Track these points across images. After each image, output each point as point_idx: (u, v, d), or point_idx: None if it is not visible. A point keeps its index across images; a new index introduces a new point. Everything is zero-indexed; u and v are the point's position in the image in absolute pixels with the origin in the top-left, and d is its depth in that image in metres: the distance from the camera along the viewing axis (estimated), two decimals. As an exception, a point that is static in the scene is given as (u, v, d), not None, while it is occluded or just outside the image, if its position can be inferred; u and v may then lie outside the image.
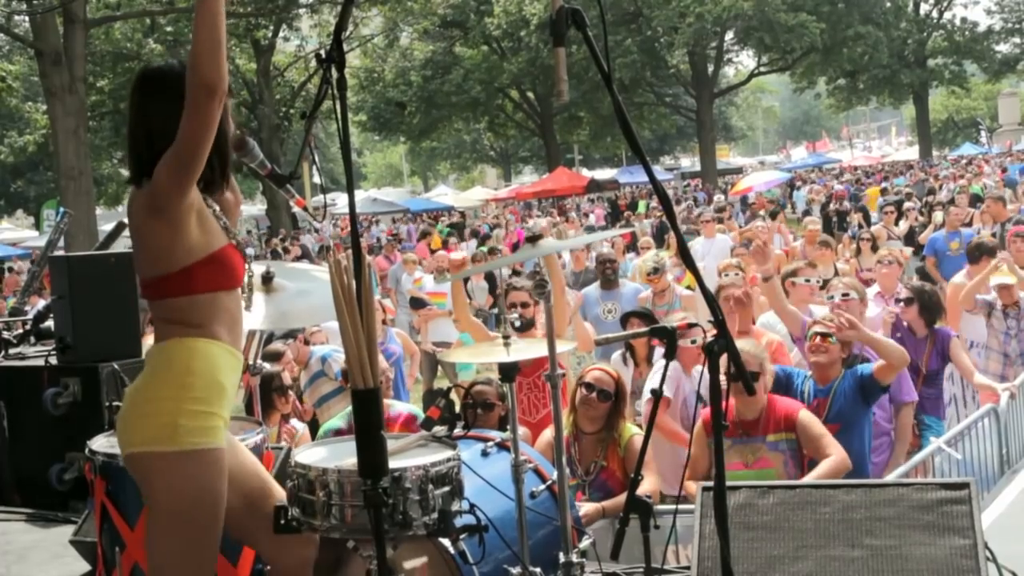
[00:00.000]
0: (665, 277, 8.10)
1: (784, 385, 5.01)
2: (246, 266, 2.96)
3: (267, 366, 5.23)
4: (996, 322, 7.13)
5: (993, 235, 11.06)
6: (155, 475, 2.67)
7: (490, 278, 13.06)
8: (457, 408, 3.27)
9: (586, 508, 4.27)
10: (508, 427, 4.66)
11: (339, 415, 5.39)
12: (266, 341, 6.92)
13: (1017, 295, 7.10)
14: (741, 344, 4.66)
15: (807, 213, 21.97)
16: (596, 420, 4.63)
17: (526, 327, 5.77)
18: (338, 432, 5.02)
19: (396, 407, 5.36)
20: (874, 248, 11.05)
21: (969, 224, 12.11)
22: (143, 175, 2.76)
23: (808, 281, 6.95)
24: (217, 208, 2.85)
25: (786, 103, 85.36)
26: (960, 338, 6.83)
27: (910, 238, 14.23)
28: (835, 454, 4.35)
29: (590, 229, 25.79)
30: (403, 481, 2.62)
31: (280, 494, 2.91)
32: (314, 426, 7.15)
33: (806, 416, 4.51)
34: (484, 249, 17.38)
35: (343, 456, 2.75)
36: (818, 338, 5.02)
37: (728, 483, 3.43)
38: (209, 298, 2.77)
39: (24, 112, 36.28)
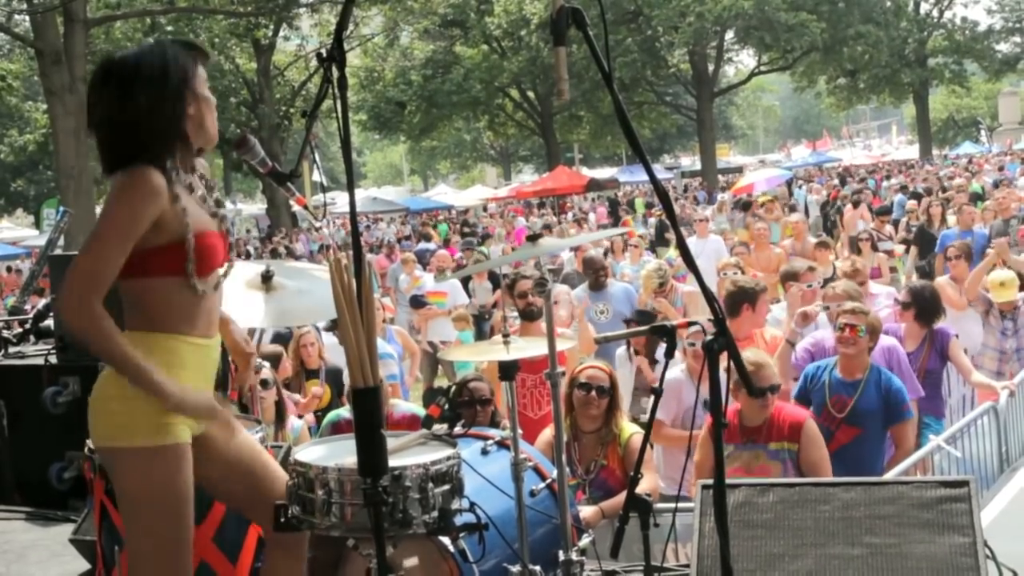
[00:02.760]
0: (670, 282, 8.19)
1: (809, 380, 5.07)
2: (231, 255, 2.90)
3: (267, 365, 5.23)
4: (993, 320, 7.17)
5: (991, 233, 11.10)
6: (116, 469, 2.72)
7: (493, 277, 13.06)
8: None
9: (585, 512, 4.27)
10: (501, 424, 4.70)
11: (347, 406, 5.39)
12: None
13: (1017, 301, 7.13)
14: (747, 354, 4.69)
15: (792, 209, 21.98)
16: (596, 419, 4.64)
17: (534, 317, 5.80)
18: (337, 426, 5.03)
19: (400, 407, 5.37)
20: (874, 247, 11.07)
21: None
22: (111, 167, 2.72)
23: (810, 286, 6.94)
24: (199, 192, 2.79)
25: (786, 102, 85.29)
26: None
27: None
28: None
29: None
30: (403, 479, 2.62)
31: (282, 475, 2.93)
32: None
33: (812, 428, 4.50)
34: (484, 249, 17.40)
35: (343, 454, 2.75)
36: (848, 329, 5.03)
37: (743, 481, 3.45)
38: (161, 283, 2.69)
39: (24, 111, 36.32)
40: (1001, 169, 27.68)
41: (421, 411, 5.41)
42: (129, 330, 2.71)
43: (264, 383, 5.18)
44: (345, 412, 5.23)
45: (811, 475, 4.35)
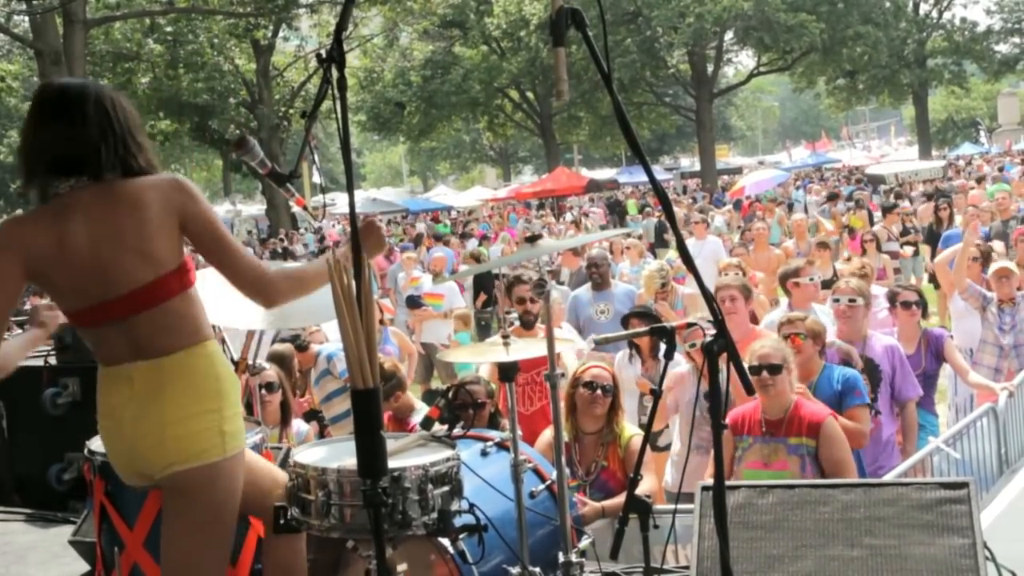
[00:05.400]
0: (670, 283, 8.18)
1: None
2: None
3: (267, 366, 5.22)
4: (991, 316, 7.14)
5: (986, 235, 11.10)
6: (202, 486, 2.71)
7: (478, 279, 13.11)
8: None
9: (585, 508, 4.27)
10: (501, 425, 4.71)
11: None
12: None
13: (1014, 290, 7.11)
14: (763, 340, 4.71)
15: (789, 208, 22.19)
16: (600, 418, 4.64)
17: (531, 325, 5.87)
18: None
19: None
20: (878, 248, 11.07)
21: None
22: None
23: (811, 280, 6.95)
24: None
25: (785, 103, 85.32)
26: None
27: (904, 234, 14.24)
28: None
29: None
30: (402, 481, 2.63)
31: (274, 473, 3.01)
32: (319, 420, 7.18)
33: (832, 427, 4.47)
34: (483, 249, 17.42)
35: (343, 456, 2.75)
36: (790, 339, 5.04)
37: (743, 482, 3.46)
38: (194, 293, 2.78)
39: (24, 112, 36.20)
40: (1001, 170, 27.67)
41: None
42: (186, 348, 2.71)
43: (270, 386, 5.16)
44: None
45: (833, 473, 4.34)
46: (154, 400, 2.69)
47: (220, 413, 2.71)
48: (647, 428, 3.47)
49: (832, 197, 20.25)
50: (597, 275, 8.04)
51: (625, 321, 6.62)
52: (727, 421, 4.44)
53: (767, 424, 4.49)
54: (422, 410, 5.41)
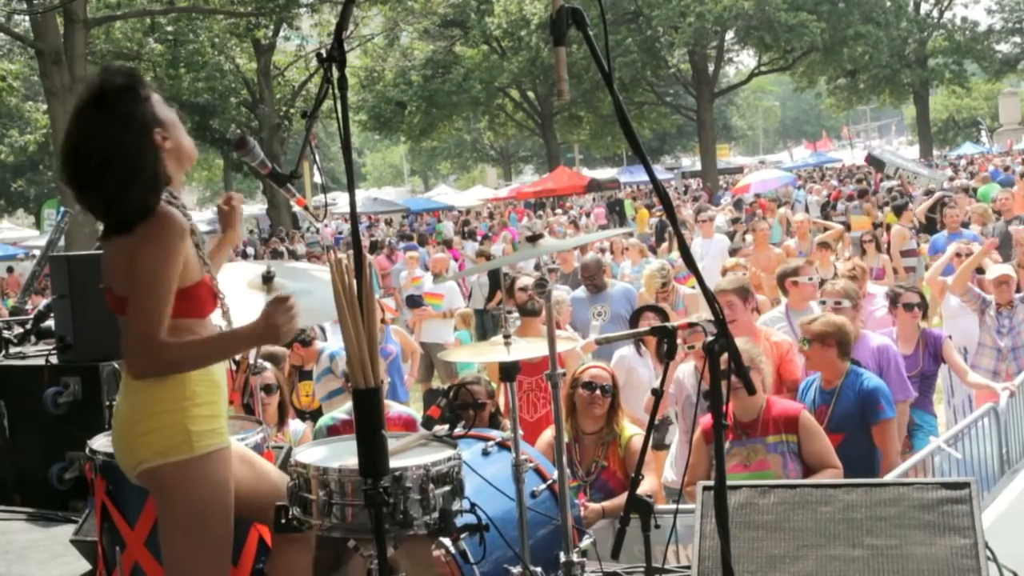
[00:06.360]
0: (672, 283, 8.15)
1: (801, 397, 5.04)
2: (218, 300, 2.97)
3: (268, 366, 5.22)
4: (989, 319, 7.14)
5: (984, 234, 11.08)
6: (173, 484, 2.73)
7: (493, 278, 13.08)
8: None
9: (585, 511, 4.26)
10: (502, 425, 4.71)
11: (341, 408, 5.41)
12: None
13: (1012, 295, 7.10)
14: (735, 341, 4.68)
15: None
16: (599, 419, 4.64)
17: (535, 312, 5.87)
18: (332, 428, 5.03)
19: (394, 408, 5.37)
20: (878, 248, 11.07)
21: (967, 224, 12.12)
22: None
23: (811, 279, 6.94)
24: (199, 238, 2.86)
25: (786, 103, 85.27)
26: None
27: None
28: (837, 468, 4.34)
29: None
30: (404, 480, 2.62)
31: (276, 477, 3.01)
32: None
33: (808, 419, 4.49)
34: (485, 249, 17.42)
35: (344, 455, 2.75)
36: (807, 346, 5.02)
37: (744, 482, 3.46)
38: (188, 324, 2.80)
39: (24, 112, 36.27)
40: (1007, 169, 27.62)
41: (416, 414, 5.41)
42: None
43: (268, 388, 5.16)
44: (339, 414, 5.23)
45: (817, 466, 4.37)
46: (129, 398, 2.79)
47: (183, 413, 2.73)
48: (648, 428, 3.47)
49: (863, 193, 20.22)
50: (592, 285, 7.97)
51: (637, 315, 6.53)
52: (700, 430, 4.49)
53: (741, 426, 4.48)
54: (391, 406, 5.42)
